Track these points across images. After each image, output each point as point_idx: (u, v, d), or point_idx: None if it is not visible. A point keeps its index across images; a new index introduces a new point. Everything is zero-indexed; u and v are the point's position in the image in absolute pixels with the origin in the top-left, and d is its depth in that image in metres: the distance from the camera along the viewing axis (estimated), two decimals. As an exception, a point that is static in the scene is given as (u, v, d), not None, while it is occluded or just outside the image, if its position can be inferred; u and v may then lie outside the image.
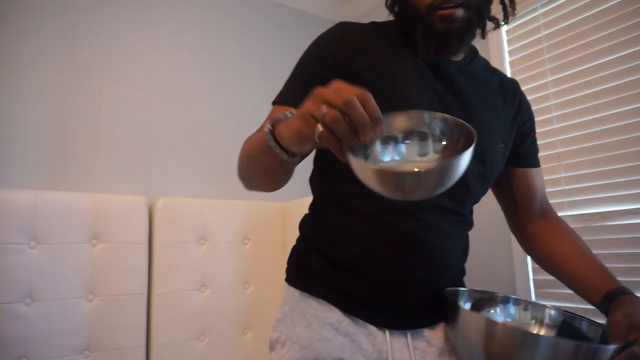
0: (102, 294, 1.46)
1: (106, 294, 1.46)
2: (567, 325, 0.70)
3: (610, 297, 0.72)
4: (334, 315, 0.72)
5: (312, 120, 0.49)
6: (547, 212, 0.90)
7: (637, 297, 0.70)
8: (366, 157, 0.52)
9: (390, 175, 0.47)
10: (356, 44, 0.75)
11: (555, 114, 1.54)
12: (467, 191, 0.74)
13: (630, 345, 0.60)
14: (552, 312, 0.73)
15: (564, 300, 1.43)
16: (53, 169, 1.59)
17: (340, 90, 0.47)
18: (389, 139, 0.53)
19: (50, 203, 1.42)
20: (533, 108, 1.67)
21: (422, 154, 0.54)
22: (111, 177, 1.69)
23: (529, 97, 1.61)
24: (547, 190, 1.55)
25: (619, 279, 1.37)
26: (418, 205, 0.70)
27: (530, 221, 0.89)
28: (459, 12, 0.70)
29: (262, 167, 0.67)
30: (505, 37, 1.73)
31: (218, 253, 1.71)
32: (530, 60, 1.63)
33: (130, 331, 1.48)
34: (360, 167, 0.48)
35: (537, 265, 1.53)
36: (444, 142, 0.54)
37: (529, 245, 0.91)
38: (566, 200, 1.50)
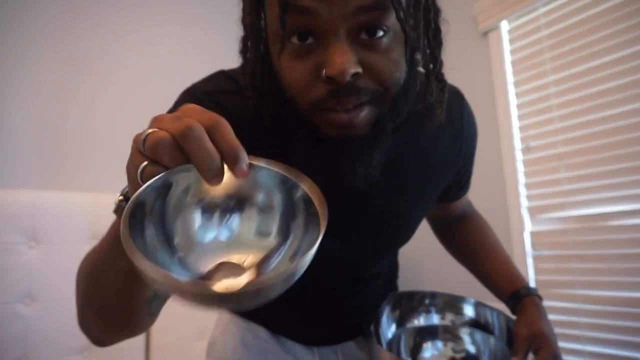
0: (102, 294, 1.46)
1: (106, 294, 1.46)
2: (479, 322, 0.76)
3: (515, 298, 0.72)
4: (261, 335, 0.73)
5: (138, 154, 0.33)
6: (463, 213, 0.88)
7: (540, 298, 0.72)
8: (168, 229, 0.33)
9: (186, 290, 0.29)
10: None
11: (556, 113, 1.54)
12: (381, 262, 0.74)
13: (532, 351, 0.63)
14: (469, 310, 0.77)
15: (568, 300, 1.43)
16: (53, 169, 1.58)
17: (184, 113, 0.32)
18: (215, 206, 0.35)
19: (49, 203, 1.41)
20: (534, 107, 1.68)
21: (262, 233, 0.36)
22: (111, 177, 1.68)
23: (530, 97, 1.63)
24: (548, 190, 1.55)
25: (620, 279, 1.38)
26: (323, 295, 0.69)
27: (445, 223, 0.89)
28: (362, 115, 0.45)
29: (119, 282, 0.43)
30: (506, 37, 1.72)
31: (218, 253, 1.71)
32: (531, 60, 1.63)
33: (130, 331, 1.48)
34: (143, 267, 0.28)
35: (539, 266, 1.53)
36: (291, 222, 0.36)
37: (444, 242, 0.90)
38: (567, 200, 1.50)
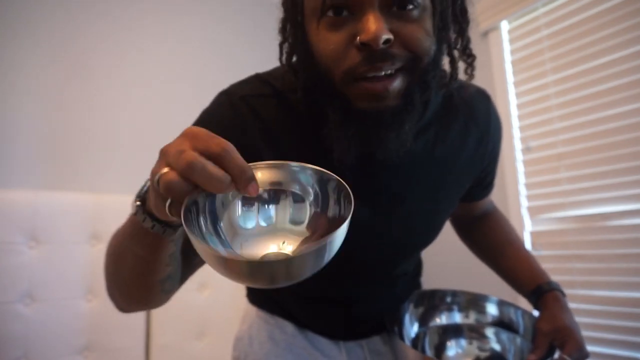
0: (102, 293, 1.45)
1: (105, 293, 1.46)
2: (503, 321, 0.75)
3: (537, 293, 0.73)
4: (289, 330, 0.74)
5: (156, 192, 0.37)
6: (486, 211, 0.88)
7: (562, 293, 0.72)
8: (217, 221, 0.38)
9: (242, 265, 0.34)
10: (253, 137, 0.55)
11: (556, 113, 1.54)
12: (408, 261, 0.75)
13: (553, 349, 0.64)
14: (492, 309, 0.77)
15: (568, 300, 1.42)
16: (53, 169, 1.58)
17: (190, 142, 0.34)
18: (253, 198, 0.39)
19: (49, 203, 1.41)
20: (534, 107, 1.68)
21: (295, 222, 0.40)
22: (111, 177, 1.68)
23: (530, 97, 1.63)
24: (548, 190, 1.55)
25: (620, 279, 1.38)
26: (353, 293, 0.70)
27: (468, 222, 0.89)
28: (395, 84, 0.46)
29: (135, 265, 0.48)
30: (506, 37, 1.72)
31: (218, 253, 1.70)
32: (531, 60, 1.63)
33: (129, 331, 1.48)
34: (202, 249, 0.33)
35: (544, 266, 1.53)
36: (318, 209, 0.40)
37: (466, 240, 0.91)
38: (567, 200, 1.50)
